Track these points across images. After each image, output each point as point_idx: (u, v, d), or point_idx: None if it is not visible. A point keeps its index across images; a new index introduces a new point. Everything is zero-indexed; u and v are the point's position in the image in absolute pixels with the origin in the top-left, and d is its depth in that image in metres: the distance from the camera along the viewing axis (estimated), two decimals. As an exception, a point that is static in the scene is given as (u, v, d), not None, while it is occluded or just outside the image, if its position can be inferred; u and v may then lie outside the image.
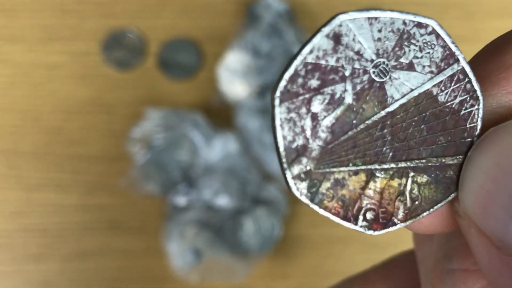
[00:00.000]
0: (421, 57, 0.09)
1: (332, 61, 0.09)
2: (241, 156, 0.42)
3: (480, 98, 0.09)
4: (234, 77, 0.44)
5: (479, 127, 0.09)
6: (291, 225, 0.43)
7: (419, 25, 0.10)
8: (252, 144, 0.42)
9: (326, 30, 0.09)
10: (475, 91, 0.09)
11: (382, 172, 0.09)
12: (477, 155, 0.09)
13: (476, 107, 0.09)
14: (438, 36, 0.10)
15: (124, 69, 0.46)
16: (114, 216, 0.43)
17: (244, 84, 0.44)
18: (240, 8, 0.49)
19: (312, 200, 0.09)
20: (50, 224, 0.43)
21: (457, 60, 0.10)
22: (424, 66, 0.09)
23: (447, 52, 0.10)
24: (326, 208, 0.09)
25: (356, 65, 0.09)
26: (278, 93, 0.09)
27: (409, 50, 0.09)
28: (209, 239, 0.40)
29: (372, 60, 0.09)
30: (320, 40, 0.09)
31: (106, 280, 0.42)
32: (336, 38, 0.09)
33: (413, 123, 0.09)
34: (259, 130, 0.42)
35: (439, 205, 0.10)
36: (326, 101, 0.09)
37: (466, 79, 0.09)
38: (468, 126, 0.09)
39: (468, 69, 0.09)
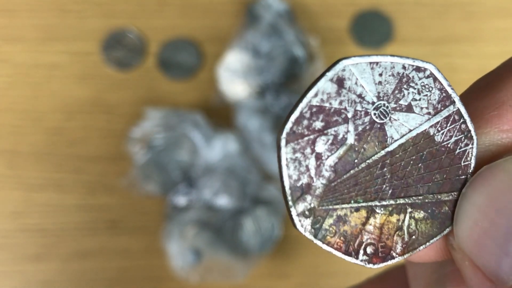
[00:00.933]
0: (419, 99, 0.10)
1: (335, 104, 0.09)
2: (241, 156, 0.42)
3: (474, 137, 0.10)
4: (234, 77, 0.44)
5: (472, 165, 0.10)
6: (291, 225, 0.43)
7: (418, 69, 0.10)
8: (252, 144, 0.42)
9: (330, 74, 0.09)
10: (469, 131, 0.10)
11: (382, 209, 0.10)
12: (471, 192, 0.09)
13: (470, 146, 0.10)
14: (435, 79, 0.10)
15: (124, 69, 0.46)
16: (114, 216, 0.43)
17: (244, 84, 0.44)
18: (240, 8, 0.49)
19: (315, 236, 0.10)
20: (50, 224, 0.43)
21: (453, 102, 0.10)
22: (422, 108, 0.10)
23: (444, 94, 0.10)
24: (329, 244, 0.10)
25: (358, 107, 0.09)
26: (284, 135, 0.09)
27: (408, 93, 0.10)
28: (209, 239, 0.40)
29: (373, 103, 0.10)
30: (325, 84, 0.09)
31: (106, 280, 0.42)
32: (340, 82, 0.09)
33: (411, 162, 0.10)
34: (259, 130, 0.42)
35: (435, 239, 0.10)
36: (330, 141, 0.09)
37: (461, 120, 0.10)
38: (462, 164, 0.10)
39: (463, 110, 0.10)
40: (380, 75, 0.09)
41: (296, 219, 0.10)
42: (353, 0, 0.50)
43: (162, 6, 0.49)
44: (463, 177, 0.10)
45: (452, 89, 0.11)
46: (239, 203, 0.41)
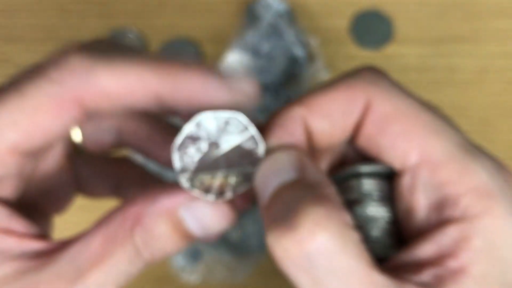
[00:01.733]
0: (235, 127, 0.19)
1: (197, 133, 0.19)
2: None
3: (261, 143, 0.20)
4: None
5: (261, 155, 0.20)
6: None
7: (233, 115, 0.19)
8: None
9: (196, 119, 0.19)
10: (257, 143, 0.20)
11: (221, 176, 0.20)
12: (261, 165, 0.20)
13: (258, 150, 0.20)
14: (242, 122, 0.19)
15: (124, 69, 0.46)
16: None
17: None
18: (240, 8, 0.49)
19: (191, 187, 0.20)
20: (50, 224, 0.43)
21: (247, 129, 0.19)
22: (236, 133, 0.19)
23: (243, 124, 0.19)
24: (196, 190, 0.20)
25: (209, 135, 0.19)
26: (176, 147, 0.19)
27: (233, 127, 0.19)
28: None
29: (216, 132, 0.19)
30: (192, 126, 0.19)
31: None
32: (198, 125, 0.19)
33: (235, 156, 0.20)
34: (259, 130, 0.43)
35: (244, 188, 0.20)
36: (196, 149, 0.19)
37: (252, 135, 0.20)
38: (256, 158, 0.20)
39: (253, 130, 0.19)
40: (216, 120, 0.19)
41: (182, 182, 0.19)
42: (353, 0, 0.50)
43: (162, 6, 0.49)
44: (256, 161, 0.20)
45: (248, 121, 0.19)
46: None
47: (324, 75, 0.46)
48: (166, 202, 0.19)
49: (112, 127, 0.24)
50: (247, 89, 0.20)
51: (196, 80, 0.19)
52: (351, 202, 0.20)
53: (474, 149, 0.20)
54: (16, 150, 0.19)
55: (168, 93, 0.19)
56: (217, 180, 0.20)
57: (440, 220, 0.19)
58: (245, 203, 0.21)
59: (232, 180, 0.20)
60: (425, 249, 0.18)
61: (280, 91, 0.44)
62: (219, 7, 0.49)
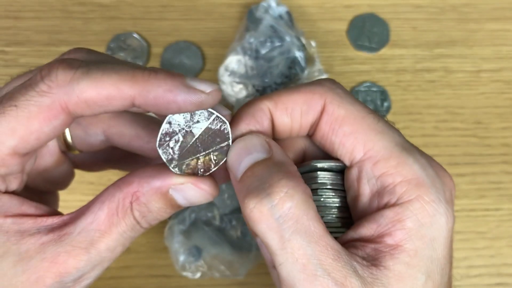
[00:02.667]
0: (200, 115, 0.23)
1: (171, 129, 0.23)
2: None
3: (226, 122, 0.23)
4: (235, 78, 0.45)
5: (230, 135, 0.23)
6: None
7: (200, 108, 0.23)
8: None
9: (166, 119, 0.23)
10: (224, 122, 0.23)
11: (201, 156, 0.23)
12: (232, 145, 0.23)
13: (225, 126, 0.23)
14: (208, 110, 0.23)
15: (127, 71, 0.47)
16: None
17: (244, 85, 0.45)
18: (241, 11, 0.50)
19: (180, 172, 0.23)
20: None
21: (212, 113, 0.23)
22: (203, 119, 0.23)
23: (210, 111, 0.23)
24: (185, 173, 0.24)
25: (180, 127, 0.23)
26: (157, 143, 0.23)
27: (198, 116, 0.23)
28: (211, 237, 0.41)
29: (184, 123, 0.23)
30: (165, 125, 0.23)
31: (109, 278, 0.42)
32: (169, 123, 0.23)
33: (207, 137, 0.23)
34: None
35: (224, 160, 0.24)
36: (174, 141, 0.23)
37: (215, 116, 0.23)
38: (226, 134, 0.23)
39: (217, 114, 0.23)
40: (182, 115, 0.23)
41: (173, 170, 0.23)
42: (351, 3, 0.51)
43: (165, 9, 0.50)
44: (227, 137, 0.23)
45: (212, 109, 0.23)
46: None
47: (322, 77, 0.47)
48: (158, 184, 0.23)
49: (99, 131, 0.28)
50: (208, 90, 0.22)
51: (163, 86, 0.22)
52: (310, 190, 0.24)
53: (410, 147, 0.24)
54: (16, 153, 0.23)
55: (141, 97, 0.22)
56: (200, 160, 0.24)
57: (380, 206, 0.23)
58: (224, 174, 0.25)
59: (213, 156, 0.24)
60: (367, 229, 0.22)
61: (280, 92, 0.45)
62: (221, 10, 0.50)
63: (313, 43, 0.46)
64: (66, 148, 0.28)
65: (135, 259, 0.43)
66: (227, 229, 0.41)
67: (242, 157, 0.23)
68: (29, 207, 0.24)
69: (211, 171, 0.24)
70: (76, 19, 0.49)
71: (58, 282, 0.22)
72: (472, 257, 0.43)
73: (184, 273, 0.40)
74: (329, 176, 0.25)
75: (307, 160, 0.26)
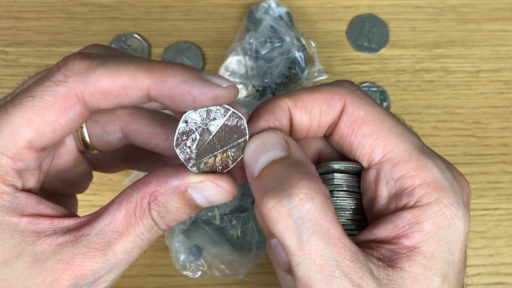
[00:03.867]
0: (216, 112, 0.22)
1: (187, 128, 0.22)
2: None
3: (243, 117, 0.23)
4: (235, 78, 0.45)
5: (247, 130, 0.23)
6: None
7: (214, 105, 0.22)
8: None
9: (183, 118, 0.22)
10: (241, 117, 0.23)
11: (219, 153, 0.23)
12: (250, 141, 0.23)
13: (242, 122, 0.23)
14: (224, 106, 0.23)
15: (127, 71, 0.47)
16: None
17: (244, 85, 0.45)
18: (241, 12, 0.50)
19: (198, 171, 0.23)
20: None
21: (229, 109, 0.22)
22: (219, 116, 0.23)
23: (226, 108, 0.23)
24: (204, 172, 0.23)
25: (197, 125, 0.22)
26: (174, 145, 0.23)
27: (214, 113, 0.22)
28: (211, 236, 0.41)
29: (201, 120, 0.22)
30: (182, 124, 0.22)
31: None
32: (185, 121, 0.22)
33: (223, 133, 0.23)
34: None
35: (241, 157, 0.23)
36: (191, 139, 0.23)
37: (232, 112, 0.23)
38: (243, 129, 0.23)
39: (233, 110, 0.23)
40: (198, 112, 0.22)
41: (191, 170, 0.23)
42: (351, 4, 0.51)
43: (166, 10, 0.50)
44: (244, 132, 0.23)
45: (228, 106, 0.23)
46: (240, 201, 0.42)
47: (322, 77, 0.47)
48: (176, 183, 0.23)
49: (116, 129, 0.28)
50: (224, 85, 0.22)
51: (179, 76, 0.21)
52: None
53: (429, 151, 0.23)
54: (32, 146, 0.22)
55: (156, 87, 0.22)
56: (218, 158, 0.23)
57: (397, 208, 0.23)
58: (243, 171, 0.24)
59: (231, 153, 0.23)
60: (384, 230, 0.22)
61: (280, 91, 0.45)
62: (220, 11, 0.50)
63: (313, 44, 0.47)
64: (84, 147, 0.28)
65: (136, 260, 0.43)
66: (227, 228, 0.41)
67: (260, 154, 0.22)
68: (46, 207, 0.23)
69: (229, 168, 0.24)
70: (77, 19, 0.49)
71: (73, 285, 0.22)
72: (471, 256, 0.43)
73: (185, 272, 0.40)
74: (345, 178, 0.25)
75: (322, 162, 0.26)
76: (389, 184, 0.23)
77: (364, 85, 0.47)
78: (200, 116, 0.22)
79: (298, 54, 0.45)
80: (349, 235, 0.22)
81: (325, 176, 0.25)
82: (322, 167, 0.25)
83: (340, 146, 0.25)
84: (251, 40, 0.45)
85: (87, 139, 0.27)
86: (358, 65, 0.49)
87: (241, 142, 0.23)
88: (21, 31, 0.49)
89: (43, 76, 0.22)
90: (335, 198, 0.25)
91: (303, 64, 0.45)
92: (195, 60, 0.48)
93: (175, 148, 0.23)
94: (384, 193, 0.23)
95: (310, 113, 0.24)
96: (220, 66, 0.45)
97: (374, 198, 0.24)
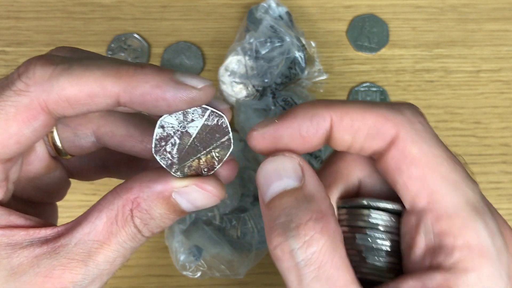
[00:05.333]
0: (193, 113, 0.22)
1: (165, 133, 0.21)
2: (241, 155, 0.43)
3: (223, 115, 0.22)
4: (235, 78, 0.45)
5: (229, 128, 0.22)
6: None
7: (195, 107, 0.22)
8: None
9: (158, 123, 0.21)
10: (221, 116, 0.22)
11: (203, 155, 0.22)
12: (264, 164, 0.22)
13: (223, 120, 0.22)
14: (202, 106, 0.22)
15: (127, 71, 0.47)
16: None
17: (244, 85, 0.45)
18: (241, 12, 0.50)
19: (183, 176, 0.22)
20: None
21: (207, 109, 0.22)
22: (197, 117, 0.22)
23: (204, 107, 0.22)
24: (188, 175, 0.22)
25: (175, 129, 0.22)
26: (153, 150, 0.22)
27: (191, 114, 0.21)
28: (211, 236, 0.41)
29: (178, 124, 0.22)
30: (158, 129, 0.21)
31: (111, 278, 0.42)
32: (162, 127, 0.21)
33: (204, 134, 0.22)
34: (259, 130, 0.43)
35: (227, 155, 0.23)
36: (171, 144, 0.22)
37: (210, 112, 0.22)
38: (225, 128, 0.22)
39: (211, 109, 0.22)
40: (174, 116, 0.21)
41: (173, 174, 0.22)
42: (351, 4, 0.51)
43: (165, 9, 0.50)
44: (227, 130, 0.22)
45: (206, 105, 0.22)
46: (240, 201, 0.42)
47: (322, 77, 0.47)
48: (160, 188, 0.22)
49: (88, 132, 0.26)
50: (199, 86, 0.21)
51: (150, 81, 0.20)
52: (357, 228, 0.22)
53: (483, 208, 0.21)
54: None
55: (126, 95, 0.20)
56: (202, 160, 0.22)
57: (432, 264, 0.20)
58: (230, 171, 0.24)
59: (215, 153, 0.22)
60: (411, 286, 0.20)
61: (280, 91, 0.45)
62: (220, 10, 0.50)
63: (313, 43, 0.47)
64: (56, 152, 0.26)
65: (135, 259, 0.43)
66: (227, 228, 0.41)
67: (272, 180, 0.21)
68: (17, 217, 0.22)
69: (215, 169, 0.23)
70: (76, 19, 0.49)
71: None
72: (471, 256, 0.43)
73: (184, 273, 0.40)
74: (383, 217, 0.22)
75: (363, 190, 0.24)
76: (428, 236, 0.20)
77: (364, 85, 0.47)
78: (177, 119, 0.21)
79: (298, 54, 0.45)
80: (380, 276, 0.21)
81: (360, 210, 0.23)
82: (360, 201, 0.23)
83: (384, 175, 0.22)
84: (251, 40, 0.45)
85: (58, 143, 0.26)
86: (358, 65, 0.49)
87: (224, 141, 0.22)
88: (21, 31, 0.49)
89: (3, 85, 0.21)
90: (367, 235, 0.22)
91: (303, 64, 0.45)
92: (195, 60, 0.48)
93: (154, 155, 0.22)
94: (421, 244, 0.21)
95: (355, 133, 0.21)
96: (220, 66, 0.45)
97: (411, 246, 0.21)
